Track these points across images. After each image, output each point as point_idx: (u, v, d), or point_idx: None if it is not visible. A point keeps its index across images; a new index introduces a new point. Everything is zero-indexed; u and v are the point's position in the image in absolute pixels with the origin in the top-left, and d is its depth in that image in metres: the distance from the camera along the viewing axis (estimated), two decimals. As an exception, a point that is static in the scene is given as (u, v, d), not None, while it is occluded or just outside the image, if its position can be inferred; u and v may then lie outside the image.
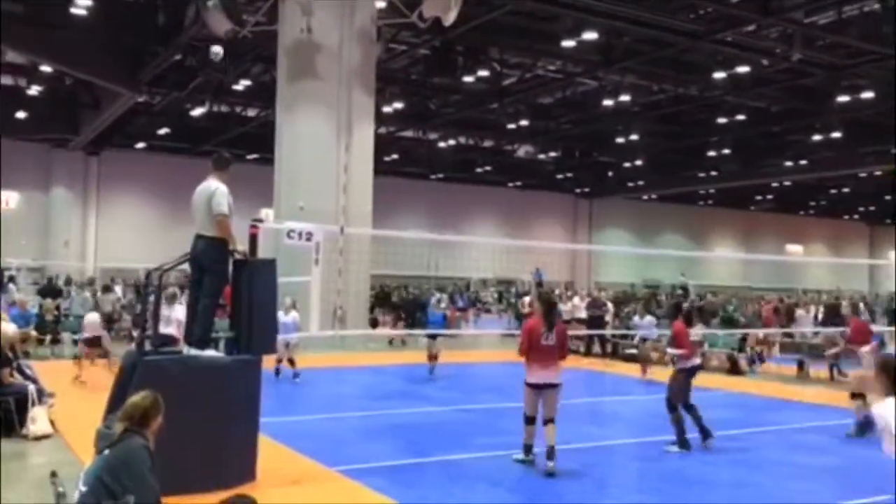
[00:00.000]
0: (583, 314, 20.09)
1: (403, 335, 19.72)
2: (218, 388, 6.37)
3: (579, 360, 16.53)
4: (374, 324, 20.98)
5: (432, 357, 13.88)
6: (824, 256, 50.32)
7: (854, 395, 9.38)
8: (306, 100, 18.53)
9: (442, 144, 33.27)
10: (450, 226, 31.16)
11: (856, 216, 54.11)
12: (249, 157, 31.17)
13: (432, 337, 14.15)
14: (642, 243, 42.90)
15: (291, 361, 12.56)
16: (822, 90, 23.86)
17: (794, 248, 50.34)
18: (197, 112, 29.49)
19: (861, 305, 16.20)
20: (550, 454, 7.11)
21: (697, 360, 8.89)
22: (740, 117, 26.79)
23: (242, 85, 25.67)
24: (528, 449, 7.47)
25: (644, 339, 15.58)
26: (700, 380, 10.55)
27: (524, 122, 29.28)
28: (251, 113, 29.27)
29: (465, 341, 21.29)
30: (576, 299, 21.27)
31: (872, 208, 50.85)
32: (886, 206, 49.10)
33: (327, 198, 17.54)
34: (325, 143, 18.31)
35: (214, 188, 6.64)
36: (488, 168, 38.27)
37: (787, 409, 11.93)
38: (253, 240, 7.18)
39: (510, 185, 42.48)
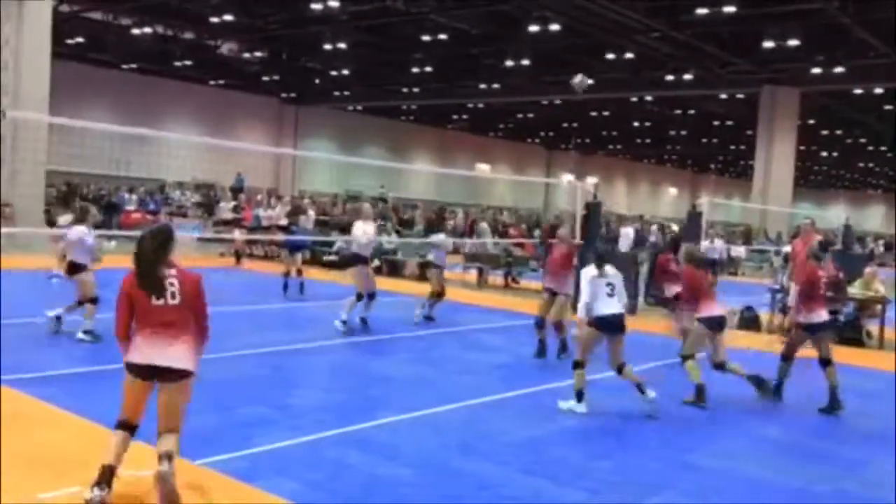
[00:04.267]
0: (283, 221, 20.05)
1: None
2: None
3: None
4: (50, 224, 19.08)
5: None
6: (509, 175, 54.75)
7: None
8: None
9: (136, 32, 30.38)
10: (144, 122, 28.74)
11: (536, 140, 59.36)
12: None
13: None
14: (346, 154, 43.35)
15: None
16: (516, 18, 25.44)
17: (483, 167, 54.15)
18: None
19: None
20: None
21: None
22: (442, 36, 27.76)
23: None
24: None
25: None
26: (393, 284, 11.12)
27: (229, 17, 27.73)
28: None
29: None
30: (278, 208, 21.12)
31: (551, 134, 56.09)
32: (562, 133, 54.56)
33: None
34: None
35: None
36: (188, 62, 35.85)
37: (467, 311, 13.05)
38: None
39: (212, 83, 40.30)
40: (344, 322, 10.12)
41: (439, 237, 13.00)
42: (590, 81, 14.46)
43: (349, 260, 11.08)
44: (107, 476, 4.24)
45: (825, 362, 7.72)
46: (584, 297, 7.01)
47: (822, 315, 7.84)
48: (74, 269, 8.82)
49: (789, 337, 8.27)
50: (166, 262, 4.51)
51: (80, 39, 31.45)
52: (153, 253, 4.48)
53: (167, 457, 4.24)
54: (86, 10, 28.12)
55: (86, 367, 7.42)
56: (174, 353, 4.43)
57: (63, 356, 7.70)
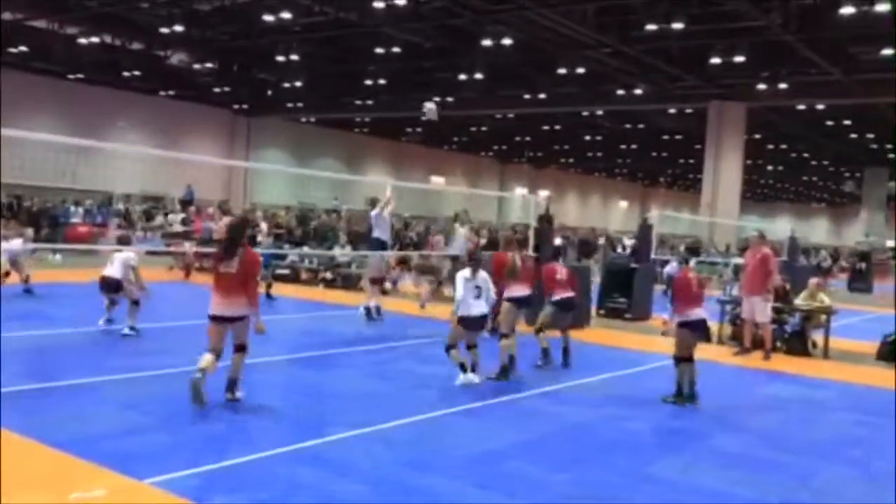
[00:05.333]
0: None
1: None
2: None
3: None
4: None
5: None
6: (463, 188, 54.91)
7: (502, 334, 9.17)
8: None
9: (83, 41, 29.76)
10: (91, 133, 28.14)
11: (490, 153, 59.69)
12: None
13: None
14: (300, 165, 42.99)
15: None
16: (469, 32, 25.59)
17: (438, 179, 54.23)
18: None
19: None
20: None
21: None
22: (396, 49, 27.78)
23: None
24: None
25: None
26: (346, 297, 11.02)
27: (178, 28, 27.34)
28: None
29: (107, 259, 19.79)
30: (225, 219, 20.78)
31: (504, 147, 56.45)
32: (515, 147, 54.98)
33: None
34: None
35: None
36: (137, 73, 35.23)
37: (419, 324, 12.98)
38: None
39: (162, 93, 39.66)
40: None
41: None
42: (434, 107, 14.93)
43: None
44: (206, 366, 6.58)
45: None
46: (457, 295, 7.98)
47: (698, 313, 8.05)
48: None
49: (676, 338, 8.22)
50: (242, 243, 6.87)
51: (23, 48, 30.72)
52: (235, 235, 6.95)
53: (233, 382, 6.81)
54: (30, 19, 27.48)
55: (31, 384, 7.17)
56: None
57: (6, 373, 7.43)
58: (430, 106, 14.56)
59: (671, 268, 17.32)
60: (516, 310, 9.05)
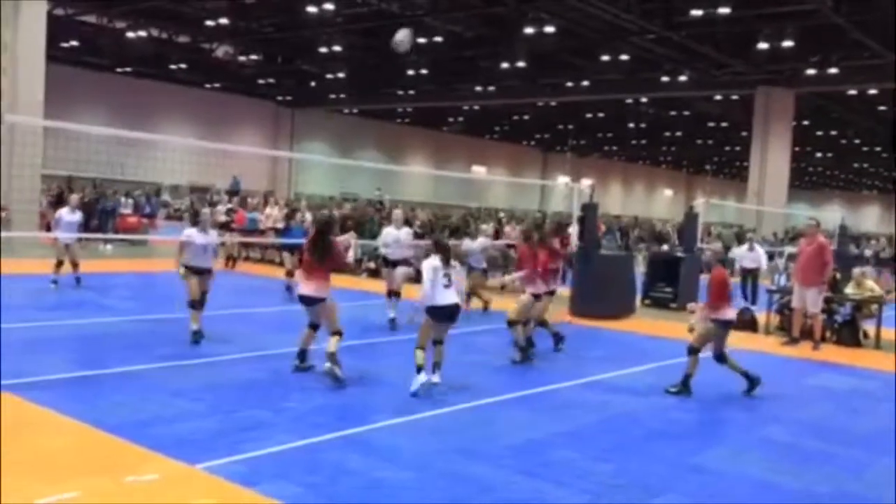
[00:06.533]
0: (281, 224, 19.99)
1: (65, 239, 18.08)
2: None
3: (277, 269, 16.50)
4: (48, 227, 19.01)
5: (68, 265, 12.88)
6: (505, 177, 54.73)
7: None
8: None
9: (131, 35, 30.33)
10: (139, 126, 28.65)
11: (532, 142, 59.37)
12: None
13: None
14: (342, 156, 43.33)
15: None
16: (511, 20, 25.45)
17: (479, 169, 54.15)
18: None
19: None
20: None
21: None
22: (438, 39, 27.77)
23: None
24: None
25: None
26: (381, 286, 11.11)
27: (224, 21, 27.68)
28: None
29: (156, 250, 20.26)
30: (268, 209, 21.05)
31: (546, 136, 56.11)
32: (558, 135, 54.61)
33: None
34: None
35: None
36: (183, 66, 35.79)
37: (463, 313, 12.97)
38: None
39: (207, 86, 40.23)
40: (391, 320, 10.85)
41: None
42: (408, 34, 11.18)
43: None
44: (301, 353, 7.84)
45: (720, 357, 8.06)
46: (424, 284, 7.34)
47: (730, 314, 8.11)
48: None
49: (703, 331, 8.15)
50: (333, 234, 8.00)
51: (74, 43, 31.41)
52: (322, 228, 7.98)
53: (331, 357, 7.36)
54: (80, 14, 28.07)
55: (84, 371, 7.38)
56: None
57: (62, 360, 7.66)
58: (402, 34, 11.06)
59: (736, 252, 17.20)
60: (533, 302, 9.23)
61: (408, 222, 15.75)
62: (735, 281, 14.93)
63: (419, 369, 7.27)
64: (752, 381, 8.08)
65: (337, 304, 7.74)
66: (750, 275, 16.45)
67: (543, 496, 4.98)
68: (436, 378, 7.42)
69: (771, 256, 19.24)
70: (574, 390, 7.94)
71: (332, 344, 7.42)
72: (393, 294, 11.07)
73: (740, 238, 30.86)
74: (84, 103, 32.75)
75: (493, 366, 8.90)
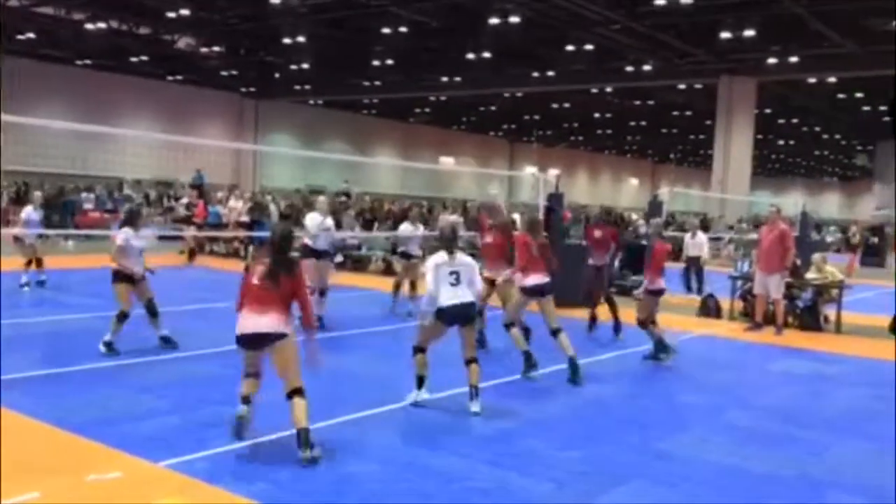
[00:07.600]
0: (245, 218, 19.83)
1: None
2: None
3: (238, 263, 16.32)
4: (7, 224, 18.66)
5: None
6: (472, 168, 54.71)
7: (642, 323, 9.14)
8: None
9: (90, 27, 29.73)
10: (100, 119, 28.17)
11: (499, 133, 59.42)
12: None
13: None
14: (308, 148, 42.99)
15: None
16: (477, 10, 25.39)
17: (447, 160, 54.09)
18: None
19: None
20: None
21: None
22: (403, 29, 27.62)
23: None
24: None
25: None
26: (356, 279, 11.02)
27: (185, 12, 27.25)
28: None
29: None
30: (232, 201, 20.86)
31: (513, 126, 56.19)
32: (525, 126, 54.72)
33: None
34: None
35: None
36: (144, 58, 35.20)
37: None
38: None
39: (170, 78, 39.63)
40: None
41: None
42: None
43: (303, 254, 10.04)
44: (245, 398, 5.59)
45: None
46: (428, 286, 6.46)
47: (660, 283, 9.02)
48: None
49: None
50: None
51: (30, 35, 30.73)
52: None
53: (305, 435, 5.18)
54: (37, 5, 27.46)
55: (47, 370, 7.24)
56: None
57: (24, 359, 7.50)
58: None
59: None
60: (527, 299, 8.16)
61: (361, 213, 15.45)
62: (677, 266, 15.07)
63: (419, 381, 6.60)
64: (665, 349, 8.74)
65: (297, 346, 5.55)
66: (693, 262, 15.81)
67: (507, 485, 4.99)
68: (475, 407, 6.45)
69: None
70: (543, 379, 7.96)
71: (300, 412, 5.23)
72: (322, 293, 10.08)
73: (705, 226, 31.28)
74: (43, 97, 32.07)
75: (458, 355, 8.89)
